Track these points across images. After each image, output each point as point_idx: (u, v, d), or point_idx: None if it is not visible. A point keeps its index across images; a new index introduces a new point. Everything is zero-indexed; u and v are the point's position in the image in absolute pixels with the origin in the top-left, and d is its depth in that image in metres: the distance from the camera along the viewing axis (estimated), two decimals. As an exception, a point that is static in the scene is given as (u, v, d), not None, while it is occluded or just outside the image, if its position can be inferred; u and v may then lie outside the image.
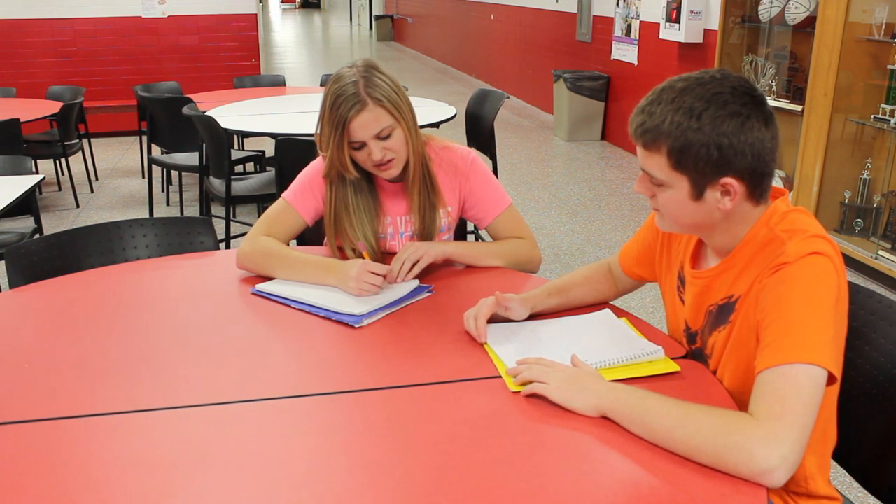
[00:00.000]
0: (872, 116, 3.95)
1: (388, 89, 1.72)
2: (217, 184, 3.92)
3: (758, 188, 1.23)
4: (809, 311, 1.13)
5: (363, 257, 1.77)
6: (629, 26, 6.83)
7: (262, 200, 4.08)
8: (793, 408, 1.07)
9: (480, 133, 4.25)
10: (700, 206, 1.23)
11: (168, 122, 4.66)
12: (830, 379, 1.12)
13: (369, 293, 1.65)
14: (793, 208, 1.26)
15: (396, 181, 1.88)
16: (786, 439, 1.04)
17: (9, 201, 2.67)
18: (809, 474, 1.28)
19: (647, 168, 1.25)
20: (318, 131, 1.78)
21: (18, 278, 1.85)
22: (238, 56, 7.73)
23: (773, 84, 4.67)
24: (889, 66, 3.88)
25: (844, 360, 1.20)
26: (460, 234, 2.30)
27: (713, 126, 1.17)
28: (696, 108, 1.17)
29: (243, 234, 4.20)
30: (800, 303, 1.14)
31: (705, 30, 5.61)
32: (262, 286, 1.71)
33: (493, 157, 4.14)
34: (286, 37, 21.31)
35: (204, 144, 4.05)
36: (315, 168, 1.88)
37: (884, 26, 3.88)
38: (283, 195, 1.88)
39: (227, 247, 3.89)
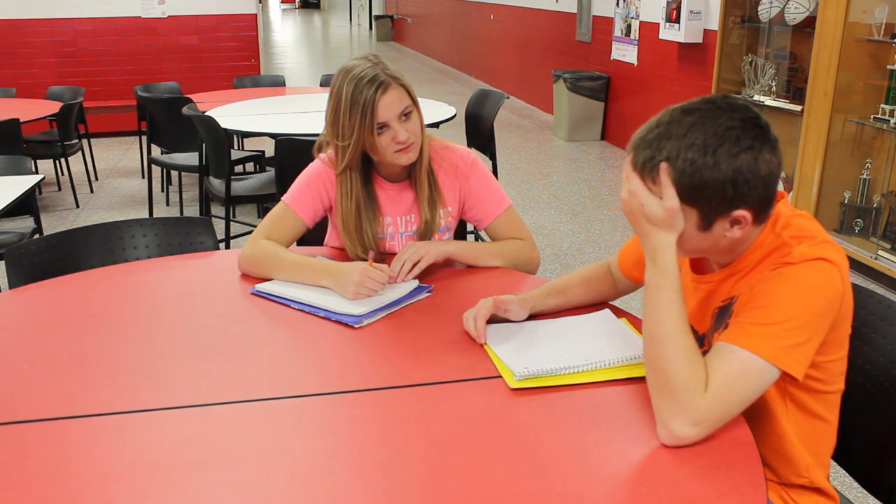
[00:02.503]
0: (872, 117, 3.95)
1: (399, 73, 1.76)
2: (217, 184, 3.93)
3: (764, 212, 1.22)
4: (792, 310, 1.14)
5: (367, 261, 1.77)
6: (629, 26, 6.84)
7: (261, 200, 4.08)
8: (731, 398, 1.12)
9: (480, 133, 4.25)
10: (706, 236, 1.22)
11: (168, 123, 4.66)
12: (790, 376, 1.14)
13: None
14: (797, 213, 1.26)
15: (396, 181, 1.89)
16: (709, 422, 1.11)
17: (9, 201, 2.67)
18: (807, 465, 1.28)
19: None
20: (331, 129, 1.77)
21: (18, 278, 1.85)
22: (238, 56, 7.73)
23: (773, 84, 4.67)
24: (889, 67, 3.88)
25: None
26: (460, 234, 2.30)
27: (729, 163, 1.14)
28: (709, 145, 1.15)
29: (243, 235, 4.21)
30: (787, 299, 1.15)
31: (705, 30, 5.61)
32: (262, 286, 1.71)
33: (492, 158, 4.13)
34: (286, 37, 21.32)
35: (204, 144, 4.05)
36: (314, 170, 1.88)
37: (883, 26, 3.88)
38: (282, 198, 1.88)
39: (227, 247, 3.89)
